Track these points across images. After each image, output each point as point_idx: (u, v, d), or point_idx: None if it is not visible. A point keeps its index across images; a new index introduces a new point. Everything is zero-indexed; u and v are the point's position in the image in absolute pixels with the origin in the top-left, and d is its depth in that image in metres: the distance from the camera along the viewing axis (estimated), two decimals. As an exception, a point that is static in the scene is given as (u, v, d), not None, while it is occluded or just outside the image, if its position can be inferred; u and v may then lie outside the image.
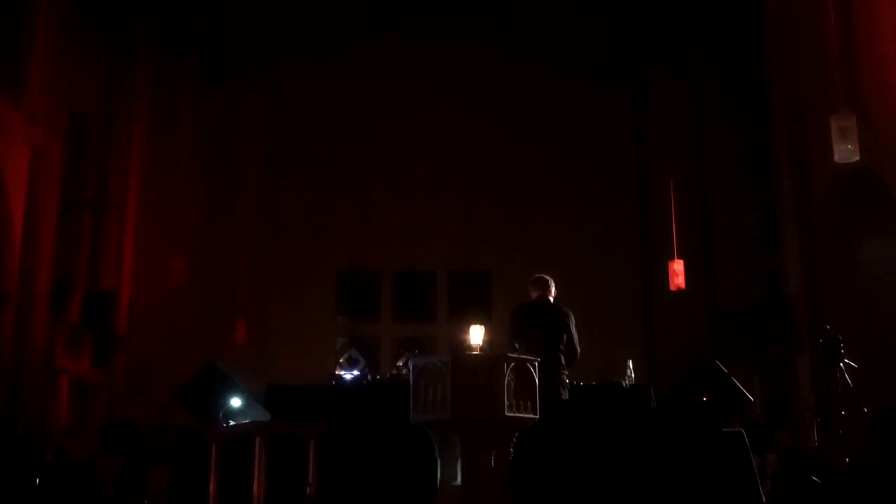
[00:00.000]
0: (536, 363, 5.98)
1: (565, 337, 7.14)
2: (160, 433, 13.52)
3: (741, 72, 20.01)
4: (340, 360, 8.46)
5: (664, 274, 16.62)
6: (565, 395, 6.96)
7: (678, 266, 16.03)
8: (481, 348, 5.97)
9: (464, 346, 6.00)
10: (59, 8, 15.77)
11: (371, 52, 22.58)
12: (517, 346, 6.87)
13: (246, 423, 6.41)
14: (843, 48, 13.53)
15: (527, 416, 5.81)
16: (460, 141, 22.50)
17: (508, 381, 5.71)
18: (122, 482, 12.83)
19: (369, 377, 8.07)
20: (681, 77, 20.77)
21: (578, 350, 7.22)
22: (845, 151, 10.30)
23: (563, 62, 22.37)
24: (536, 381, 5.91)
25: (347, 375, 7.97)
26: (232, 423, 6.47)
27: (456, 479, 5.66)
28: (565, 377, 7.02)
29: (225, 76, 21.75)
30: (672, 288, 16.22)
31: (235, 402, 6.60)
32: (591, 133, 22.38)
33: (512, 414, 5.69)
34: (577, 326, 7.29)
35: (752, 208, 19.52)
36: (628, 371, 8.09)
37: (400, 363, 8.53)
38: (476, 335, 5.97)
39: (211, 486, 6.17)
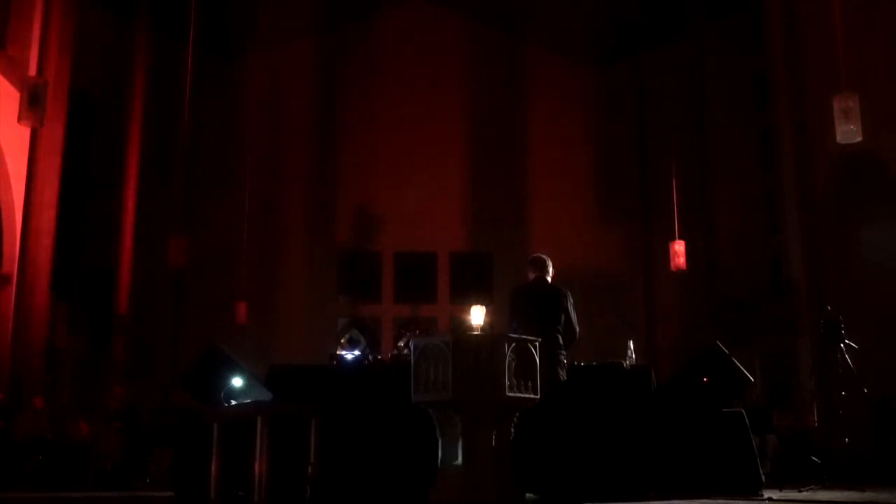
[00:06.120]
0: (537, 344, 5.99)
1: (563, 318, 7.12)
2: (161, 414, 13.60)
3: (744, 53, 19.93)
4: (341, 341, 8.43)
5: (665, 255, 16.62)
6: (563, 375, 6.96)
7: (679, 247, 16.02)
8: (482, 329, 5.98)
9: (465, 327, 6.01)
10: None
11: (373, 32, 22.50)
12: (515, 327, 6.87)
13: (247, 404, 6.42)
14: (846, 28, 13.45)
15: (527, 396, 5.82)
16: (462, 121, 22.45)
17: (509, 361, 5.72)
18: (124, 462, 12.92)
19: (370, 357, 8.07)
20: (683, 58, 20.68)
21: (577, 330, 7.20)
22: (847, 132, 10.25)
23: (566, 44, 22.29)
24: (537, 361, 5.92)
25: (348, 356, 7.96)
26: (233, 403, 6.48)
27: (457, 460, 5.68)
28: (563, 358, 7.02)
29: (225, 56, 21.68)
30: (673, 268, 16.23)
31: (237, 382, 6.61)
32: (594, 114, 22.33)
33: (513, 394, 5.71)
34: (576, 307, 7.27)
35: (754, 190, 19.49)
36: (629, 352, 8.08)
37: (401, 344, 8.47)
38: (477, 316, 5.98)
39: (212, 467, 6.18)
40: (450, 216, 21.81)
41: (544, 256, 7.43)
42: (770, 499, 7.11)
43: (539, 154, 22.26)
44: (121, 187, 18.85)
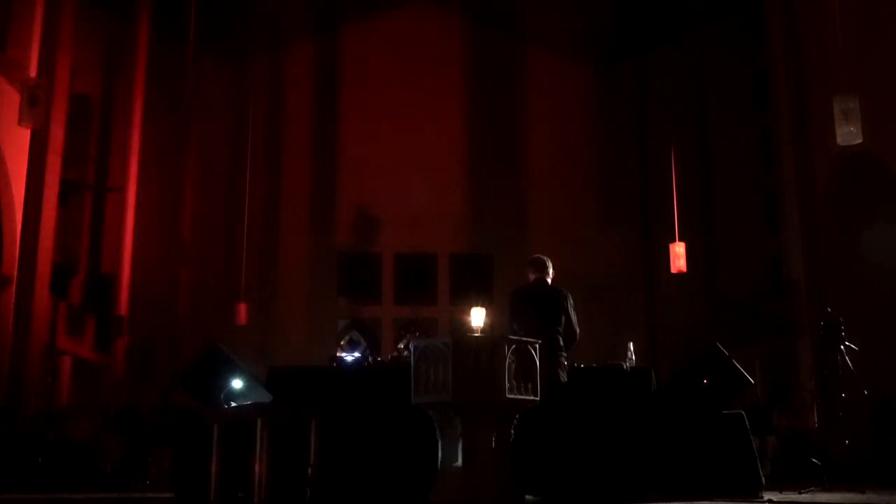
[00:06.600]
0: (537, 345, 5.99)
1: (563, 319, 7.12)
2: (161, 415, 13.60)
3: (744, 53, 19.94)
4: (342, 343, 8.43)
5: (665, 257, 16.61)
6: (564, 377, 6.96)
7: (679, 249, 16.01)
8: (482, 330, 5.97)
9: (465, 329, 6.01)
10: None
11: (373, 33, 22.50)
12: (515, 328, 6.87)
13: (247, 405, 6.42)
14: (846, 29, 13.46)
15: (527, 398, 5.82)
16: (462, 121, 22.46)
17: (509, 363, 5.72)
18: (124, 463, 12.92)
19: (370, 359, 8.07)
20: (684, 59, 20.70)
21: (577, 331, 7.20)
22: (848, 134, 10.25)
23: (567, 44, 22.31)
24: (537, 363, 5.92)
25: (349, 357, 7.96)
26: (233, 404, 6.48)
27: (457, 461, 5.68)
28: (563, 359, 7.02)
29: (225, 57, 21.69)
30: (673, 271, 16.20)
31: (237, 383, 6.61)
32: (594, 115, 22.34)
33: (513, 396, 5.71)
34: (577, 309, 7.27)
35: (754, 192, 19.50)
36: (629, 353, 8.08)
37: (401, 345, 8.48)
38: (477, 317, 5.97)
39: (212, 468, 6.19)
40: (450, 217, 21.81)
41: (544, 258, 7.43)
42: (770, 501, 7.10)
43: (539, 155, 22.27)
44: (121, 188, 18.85)
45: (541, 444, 6.50)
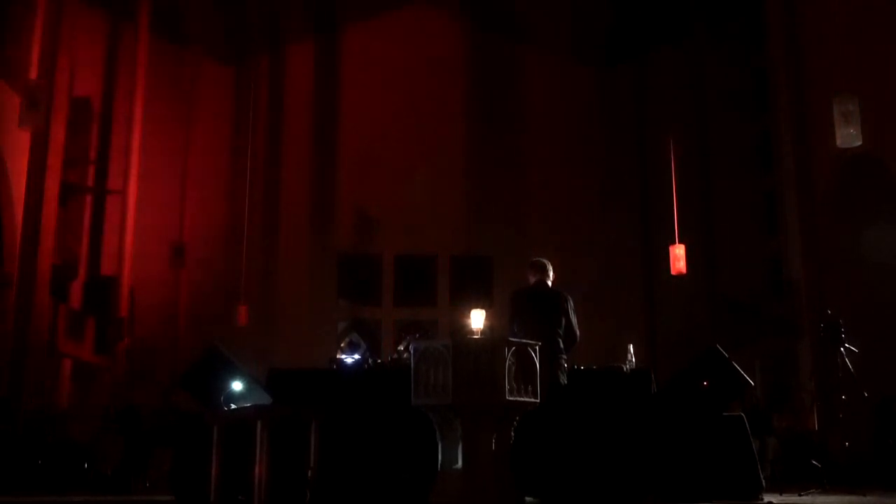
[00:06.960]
0: (537, 347, 5.98)
1: (563, 321, 7.12)
2: (161, 416, 13.59)
3: (744, 55, 19.94)
4: (342, 345, 8.45)
5: (665, 259, 16.60)
6: (564, 379, 6.96)
7: (679, 251, 16.00)
8: (482, 332, 5.97)
9: (465, 331, 6.01)
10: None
11: (373, 33, 22.49)
12: (515, 330, 6.87)
13: (248, 407, 6.42)
14: (846, 29, 13.48)
15: (528, 400, 5.82)
16: (462, 122, 22.44)
17: (509, 365, 5.71)
18: (123, 464, 12.91)
19: (370, 361, 8.07)
20: (683, 60, 20.69)
21: (577, 334, 7.20)
22: (847, 135, 10.27)
23: (567, 45, 22.30)
24: (537, 365, 5.91)
25: (349, 359, 7.97)
26: (233, 406, 6.48)
27: (457, 463, 5.67)
28: (564, 362, 7.02)
29: (225, 58, 21.69)
30: (673, 273, 16.19)
31: (237, 385, 6.61)
32: (594, 117, 22.33)
33: (513, 398, 5.70)
34: (577, 311, 7.27)
35: (754, 193, 19.49)
36: (629, 355, 8.07)
37: (401, 347, 8.50)
38: (477, 319, 5.96)
39: (212, 470, 6.19)
40: (450, 219, 21.80)
41: (545, 260, 7.42)
42: (770, 503, 7.11)
43: (539, 156, 22.25)
44: (121, 190, 18.84)
45: (541, 446, 6.49)
